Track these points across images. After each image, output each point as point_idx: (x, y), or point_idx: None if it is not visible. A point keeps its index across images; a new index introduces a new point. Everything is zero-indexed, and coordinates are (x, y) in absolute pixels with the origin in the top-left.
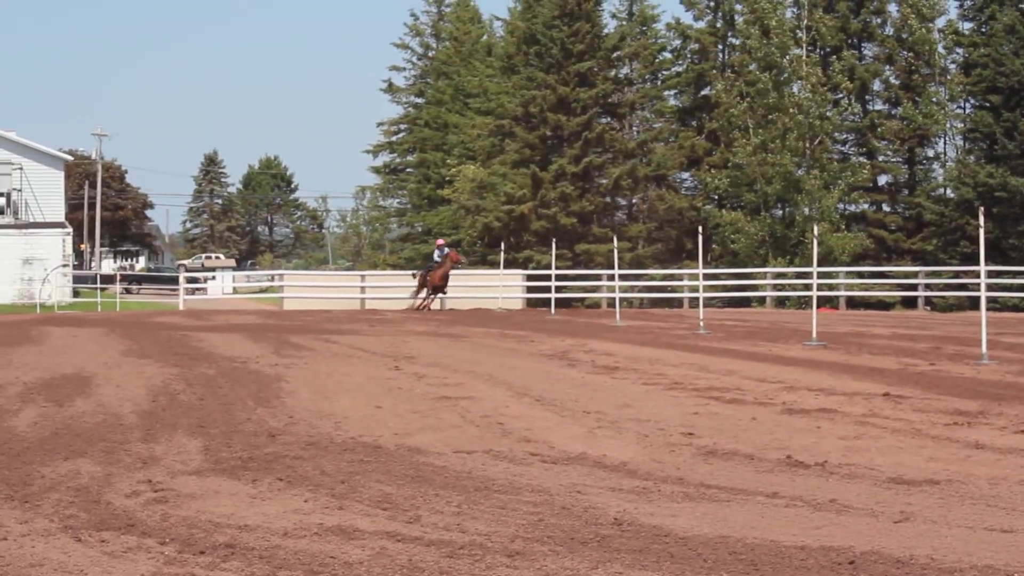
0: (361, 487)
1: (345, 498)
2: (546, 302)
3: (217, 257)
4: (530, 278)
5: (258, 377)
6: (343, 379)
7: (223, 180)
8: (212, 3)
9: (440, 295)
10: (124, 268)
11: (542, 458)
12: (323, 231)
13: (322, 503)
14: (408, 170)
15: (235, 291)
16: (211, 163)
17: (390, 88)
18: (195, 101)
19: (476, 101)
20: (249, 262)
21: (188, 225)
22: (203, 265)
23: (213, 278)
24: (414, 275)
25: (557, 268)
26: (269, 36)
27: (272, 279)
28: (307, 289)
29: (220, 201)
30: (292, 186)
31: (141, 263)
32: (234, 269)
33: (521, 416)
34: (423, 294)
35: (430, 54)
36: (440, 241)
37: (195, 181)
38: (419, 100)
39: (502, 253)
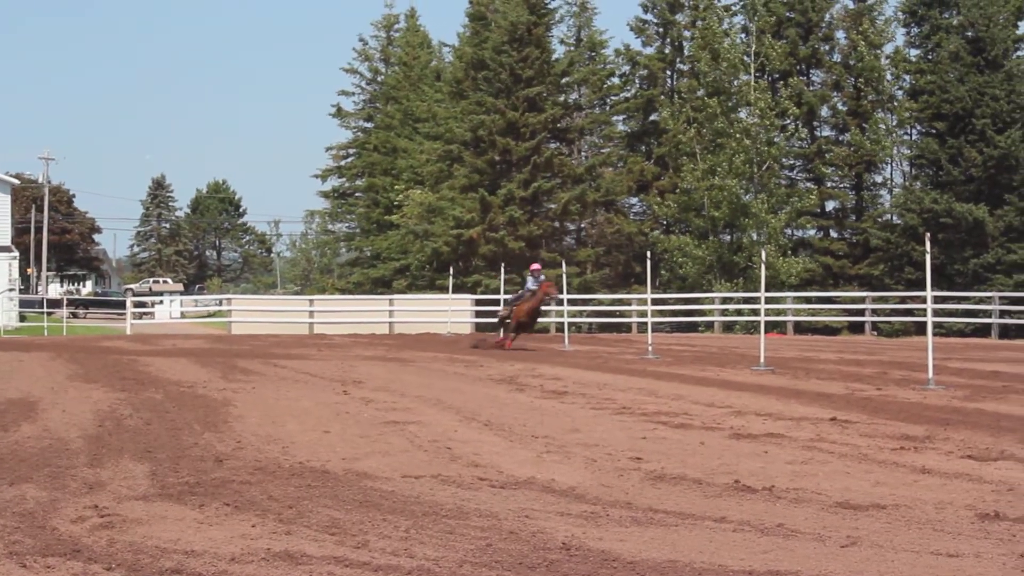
0: (309, 512)
1: (293, 523)
2: (495, 326)
3: (165, 281)
4: (479, 302)
5: (206, 402)
6: (291, 404)
7: (171, 204)
8: (161, 27)
9: (524, 332)
10: (71, 292)
11: (490, 483)
12: (272, 255)
13: (270, 528)
14: (357, 194)
15: (183, 315)
16: (159, 187)
17: (339, 113)
18: (144, 125)
19: (425, 126)
20: (197, 286)
21: (136, 249)
22: (151, 289)
23: (161, 302)
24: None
25: (505, 292)
26: (218, 60)
27: (220, 303)
28: (255, 313)
29: (168, 225)
30: (240, 210)
31: (88, 287)
32: (182, 293)
33: (469, 441)
34: (503, 330)
35: (379, 79)
36: (535, 266)
37: (143, 205)
38: (368, 125)
39: (451, 278)
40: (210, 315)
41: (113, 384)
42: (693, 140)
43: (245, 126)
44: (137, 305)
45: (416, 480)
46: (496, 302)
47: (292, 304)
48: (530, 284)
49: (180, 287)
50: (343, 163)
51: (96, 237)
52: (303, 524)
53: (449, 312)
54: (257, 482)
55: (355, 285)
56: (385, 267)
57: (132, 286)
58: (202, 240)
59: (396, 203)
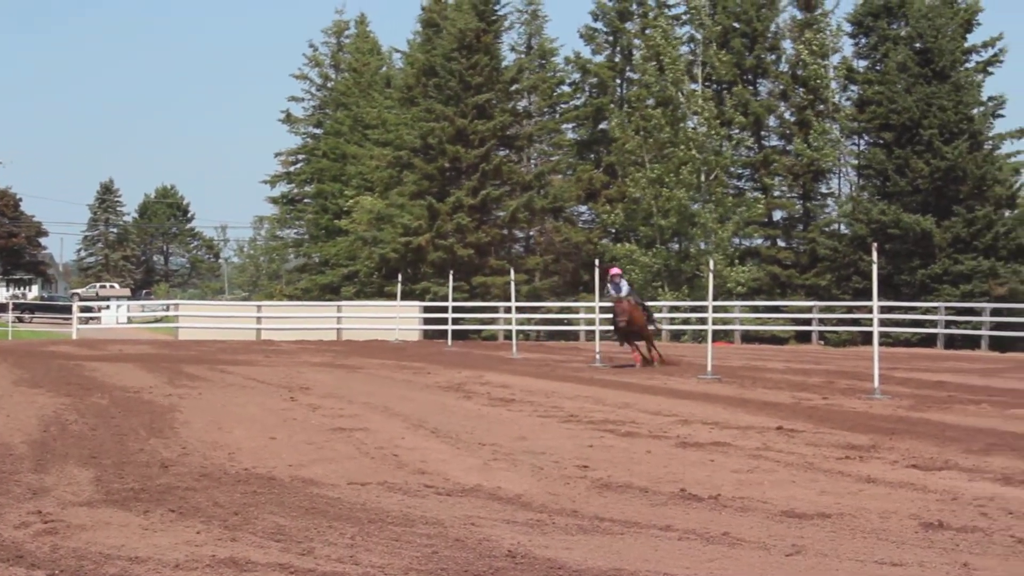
0: (254, 519)
1: (238, 530)
2: (443, 334)
3: (112, 286)
4: (427, 310)
5: (151, 407)
6: (237, 410)
7: (119, 209)
8: (109, 30)
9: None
10: (16, 296)
11: (437, 490)
12: (220, 261)
13: (215, 535)
14: (306, 200)
15: (130, 321)
16: (107, 192)
17: (288, 118)
18: (91, 129)
19: (375, 132)
20: (144, 292)
21: (83, 254)
22: (97, 294)
23: (107, 307)
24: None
25: (454, 300)
26: (167, 64)
27: (167, 309)
28: (202, 319)
29: (115, 230)
30: (188, 215)
31: (34, 292)
32: (129, 298)
33: (416, 448)
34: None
35: (329, 85)
36: (614, 271)
37: (90, 210)
38: (317, 131)
39: (399, 284)
40: (157, 320)
41: (58, 389)
42: (641, 149)
43: (194, 131)
44: (83, 310)
45: (362, 487)
46: (445, 309)
47: (240, 310)
48: (611, 292)
49: (127, 292)
50: (292, 169)
51: (43, 241)
52: (248, 531)
53: (397, 319)
54: (202, 488)
55: (303, 291)
56: (333, 273)
57: (79, 291)
58: (150, 245)
59: (345, 209)
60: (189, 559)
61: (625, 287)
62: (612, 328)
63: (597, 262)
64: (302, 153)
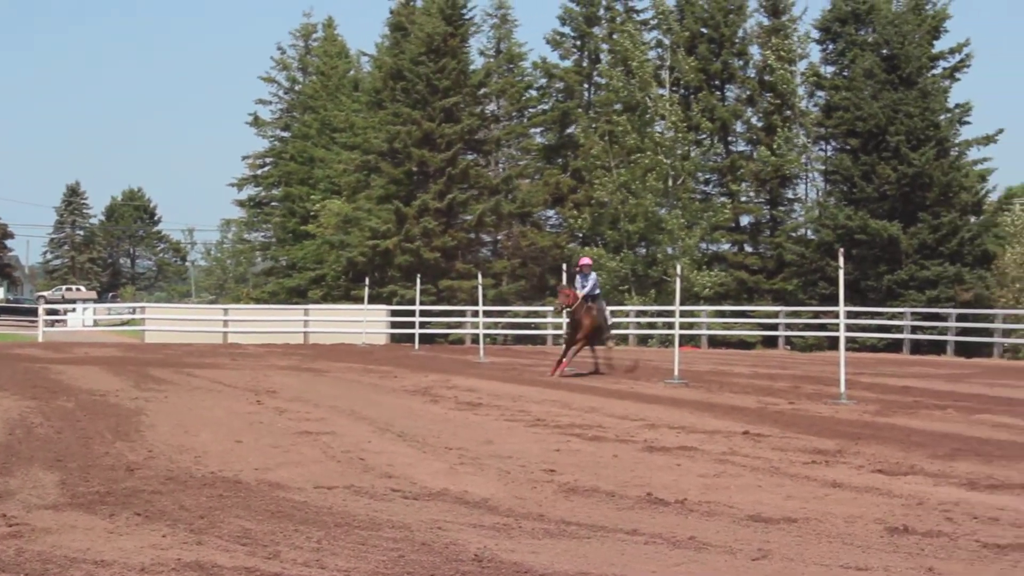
0: (220, 522)
1: (204, 533)
2: (410, 337)
3: (78, 289)
4: (394, 313)
5: (117, 411)
6: (204, 413)
7: (85, 211)
8: (76, 32)
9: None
10: None
11: (403, 494)
12: (186, 264)
13: (181, 538)
14: (273, 204)
15: (96, 323)
16: (73, 194)
17: (256, 122)
18: (58, 131)
19: (342, 136)
20: (111, 294)
21: (49, 256)
22: (63, 297)
23: (73, 310)
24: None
25: (421, 304)
26: (135, 66)
27: (134, 312)
28: (169, 322)
29: (82, 232)
30: (155, 218)
31: (0, 294)
32: (95, 301)
33: (383, 452)
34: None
35: (296, 88)
36: (585, 260)
37: (57, 212)
38: (285, 134)
39: (366, 288)
40: (123, 323)
41: (24, 392)
42: (607, 154)
43: (161, 134)
44: (49, 312)
45: (329, 491)
46: (412, 312)
47: (206, 313)
48: (578, 284)
49: (93, 295)
50: (259, 172)
51: (9, 243)
52: (214, 534)
53: (364, 323)
54: (168, 492)
55: (270, 295)
56: (301, 277)
57: (45, 293)
58: (116, 248)
59: (312, 213)
60: (155, 562)
61: (592, 281)
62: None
63: (564, 267)
64: (269, 156)
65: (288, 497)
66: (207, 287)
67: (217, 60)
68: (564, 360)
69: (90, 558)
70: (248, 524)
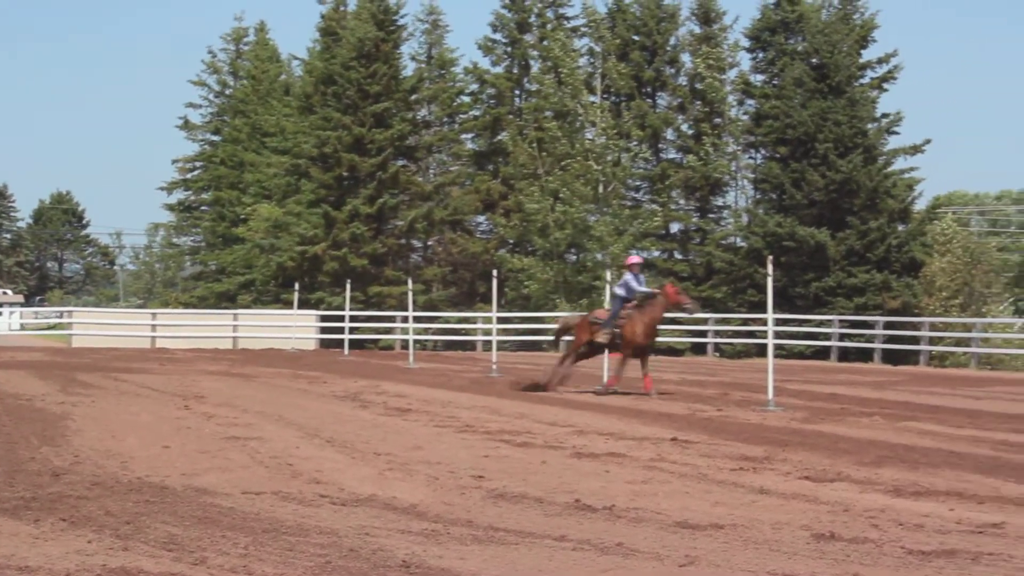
0: (147, 528)
1: (130, 539)
2: (340, 343)
3: (4, 293)
4: (324, 319)
5: (43, 415)
6: (131, 418)
7: (12, 214)
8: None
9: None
10: None
11: (331, 500)
12: (115, 268)
13: (106, 544)
14: (203, 208)
15: (22, 327)
16: (0, 197)
17: (186, 125)
18: None
19: (273, 140)
20: (38, 298)
21: None
22: None
23: (0, 314)
24: (567, 325)
25: (351, 309)
26: (63, 68)
27: (61, 316)
28: (97, 326)
29: (9, 236)
30: (84, 222)
31: None
32: (22, 305)
33: (311, 457)
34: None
35: (227, 92)
36: (634, 259)
37: None
38: (215, 138)
39: (296, 293)
40: (50, 327)
41: None
42: (536, 161)
43: (90, 136)
44: None
45: (256, 496)
46: (341, 318)
47: (134, 318)
48: (632, 283)
49: (20, 298)
50: (189, 176)
51: None
52: (140, 540)
53: (294, 328)
54: (94, 497)
55: (199, 299)
56: (230, 281)
57: None
58: (44, 251)
59: (242, 217)
60: (80, 568)
61: (642, 280)
62: (608, 339)
63: (495, 273)
64: (199, 160)
65: (215, 503)
66: (135, 291)
67: (147, 62)
68: (615, 376)
69: (14, 564)
70: (175, 530)
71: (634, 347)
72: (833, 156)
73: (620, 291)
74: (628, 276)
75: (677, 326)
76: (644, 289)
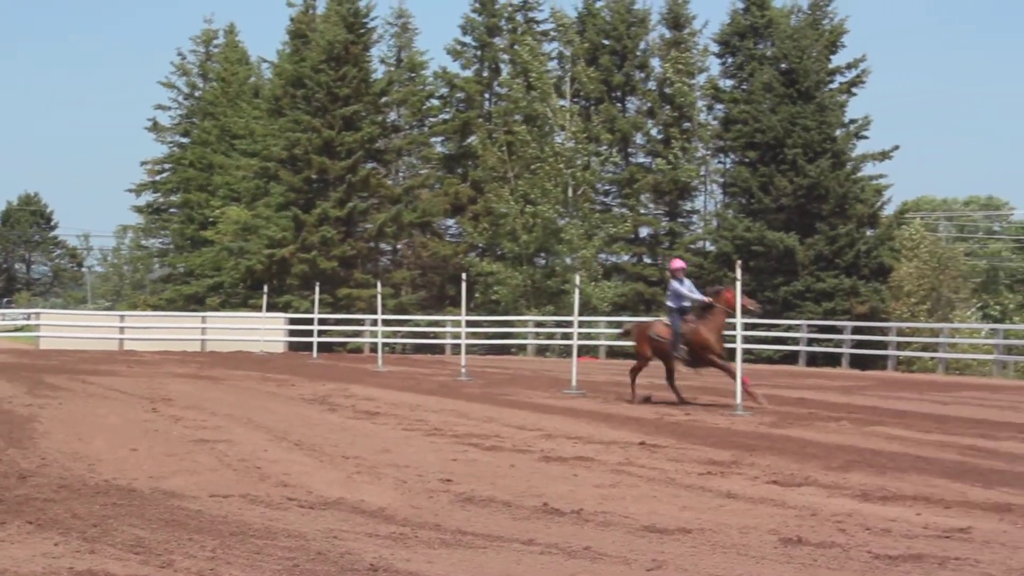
0: (114, 531)
1: (97, 542)
2: (308, 346)
3: None
4: (293, 321)
5: (10, 417)
6: (98, 420)
7: None
8: None
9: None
10: None
11: (299, 503)
12: (83, 270)
13: (73, 547)
14: (171, 210)
15: None
16: None
17: (155, 127)
18: None
19: (242, 142)
20: (5, 300)
21: None
22: None
23: None
24: (628, 332)
25: (319, 312)
26: (30, 69)
27: (28, 318)
28: (64, 329)
29: None
30: (52, 224)
31: None
32: None
33: (279, 460)
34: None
35: (197, 94)
36: (676, 263)
37: None
38: (184, 140)
39: (265, 296)
40: (17, 329)
41: None
42: (505, 164)
43: (58, 138)
44: None
45: (224, 499)
46: (310, 321)
47: (102, 320)
48: (681, 290)
49: None
50: (158, 178)
51: None
52: (107, 543)
53: (262, 331)
54: (61, 500)
55: (167, 302)
56: (198, 284)
57: None
58: (11, 253)
59: (211, 220)
60: (46, 571)
61: (688, 285)
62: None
63: (464, 276)
64: (168, 162)
65: (183, 506)
66: (103, 293)
67: (116, 64)
68: (747, 383)
69: None
70: (142, 533)
71: (709, 359)
72: (802, 161)
73: (671, 303)
74: (674, 283)
75: None
76: (697, 296)
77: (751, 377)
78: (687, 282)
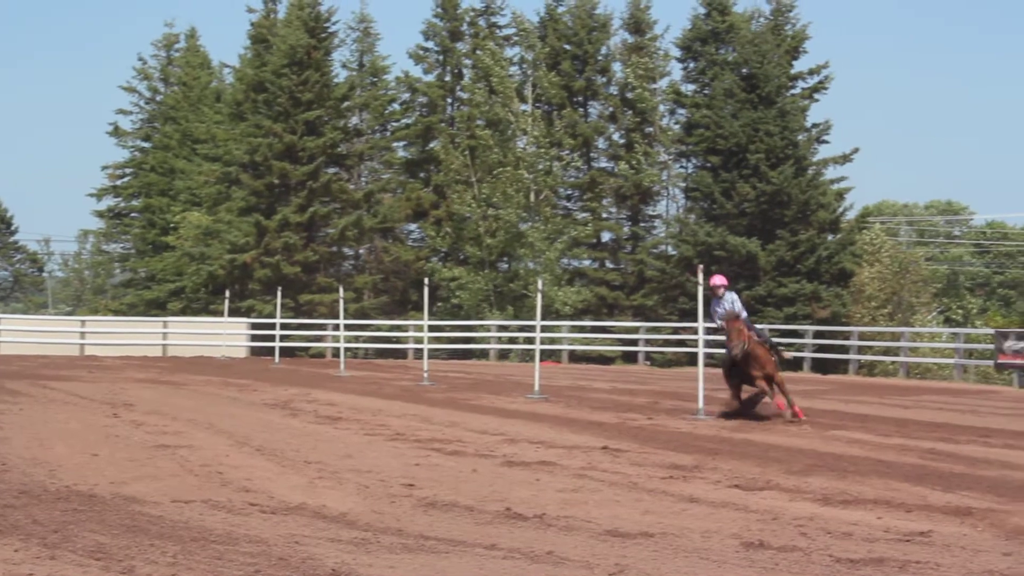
0: (74, 536)
1: (57, 548)
2: (270, 351)
3: None
4: (254, 327)
5: None
6: (59, 426)
7: None
8: None
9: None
10: None
11: (261, 508)
12: (43, 275)
13: (33, 553)
14: (133, 215)
15: None
16: None
17: (116, 131)
18: None
19: (204, 147)
20: None
21: None
22: None
23: None
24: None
25: (281, 317)
26: None
27: None
28: (25, 333)
29: None
30: (11, 228)
31: None
32: None
33: (241, 466)
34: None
35: (158, 98)
36: (718, 280)
37: None
38: (146, 144)
39: (226, 301)
40: None
41: None
42: (467, 169)
43: (18, 142)
44: None
45: (186, 505)
46: (272, 326)
47: (63, 325)
48: (719, 309)
49: None
50: (119, 183)
51: None
52: (68, 549)
53: (224, 336)
54: (21, 506)
55: (129, 307)
56: (160, 289)
57: None
58: None
59: (172, 224)
60: None
61: (731, 300)
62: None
63: (427, 281)
64: (130, 167)
65: (144, 511)
66: (64, 298)
67: (77, 67)
68: (785, 401)
69: None
70: (103, 539)
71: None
72: (764, 167)
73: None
74: (713, 304)
75: (608, 335)
76: (716, 322)
77: (712, 383)
78: (729, 296)
